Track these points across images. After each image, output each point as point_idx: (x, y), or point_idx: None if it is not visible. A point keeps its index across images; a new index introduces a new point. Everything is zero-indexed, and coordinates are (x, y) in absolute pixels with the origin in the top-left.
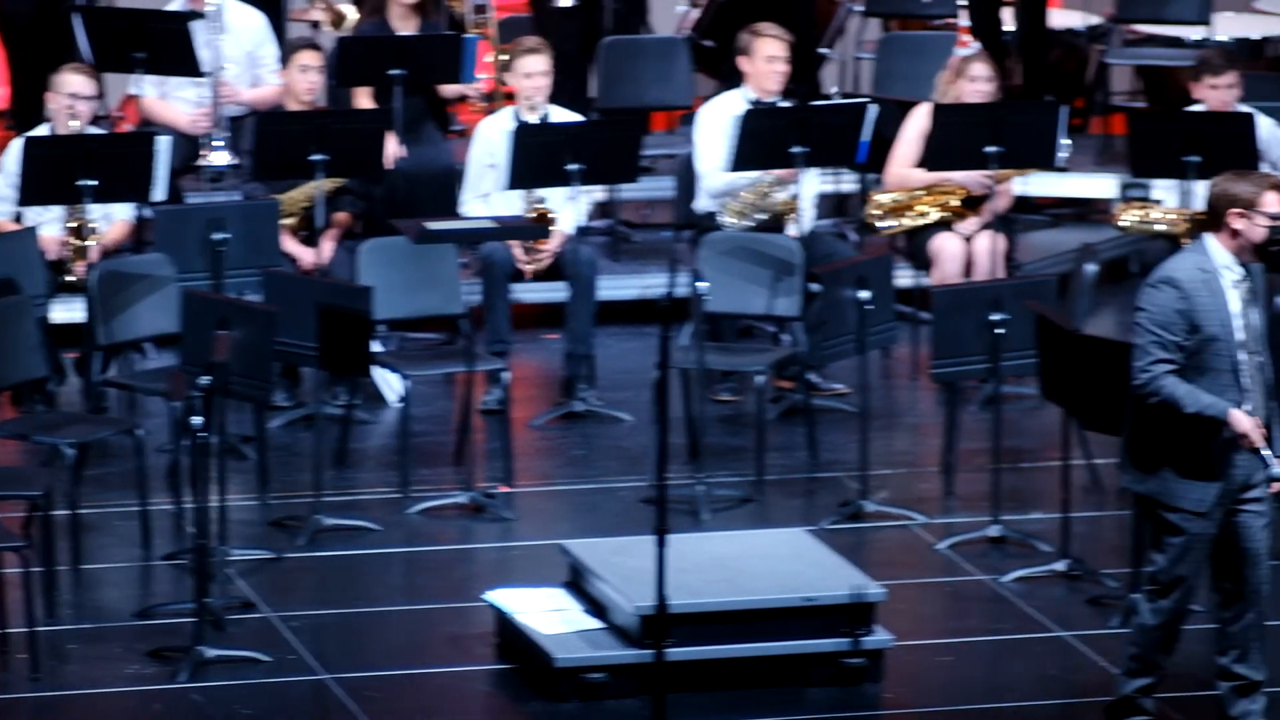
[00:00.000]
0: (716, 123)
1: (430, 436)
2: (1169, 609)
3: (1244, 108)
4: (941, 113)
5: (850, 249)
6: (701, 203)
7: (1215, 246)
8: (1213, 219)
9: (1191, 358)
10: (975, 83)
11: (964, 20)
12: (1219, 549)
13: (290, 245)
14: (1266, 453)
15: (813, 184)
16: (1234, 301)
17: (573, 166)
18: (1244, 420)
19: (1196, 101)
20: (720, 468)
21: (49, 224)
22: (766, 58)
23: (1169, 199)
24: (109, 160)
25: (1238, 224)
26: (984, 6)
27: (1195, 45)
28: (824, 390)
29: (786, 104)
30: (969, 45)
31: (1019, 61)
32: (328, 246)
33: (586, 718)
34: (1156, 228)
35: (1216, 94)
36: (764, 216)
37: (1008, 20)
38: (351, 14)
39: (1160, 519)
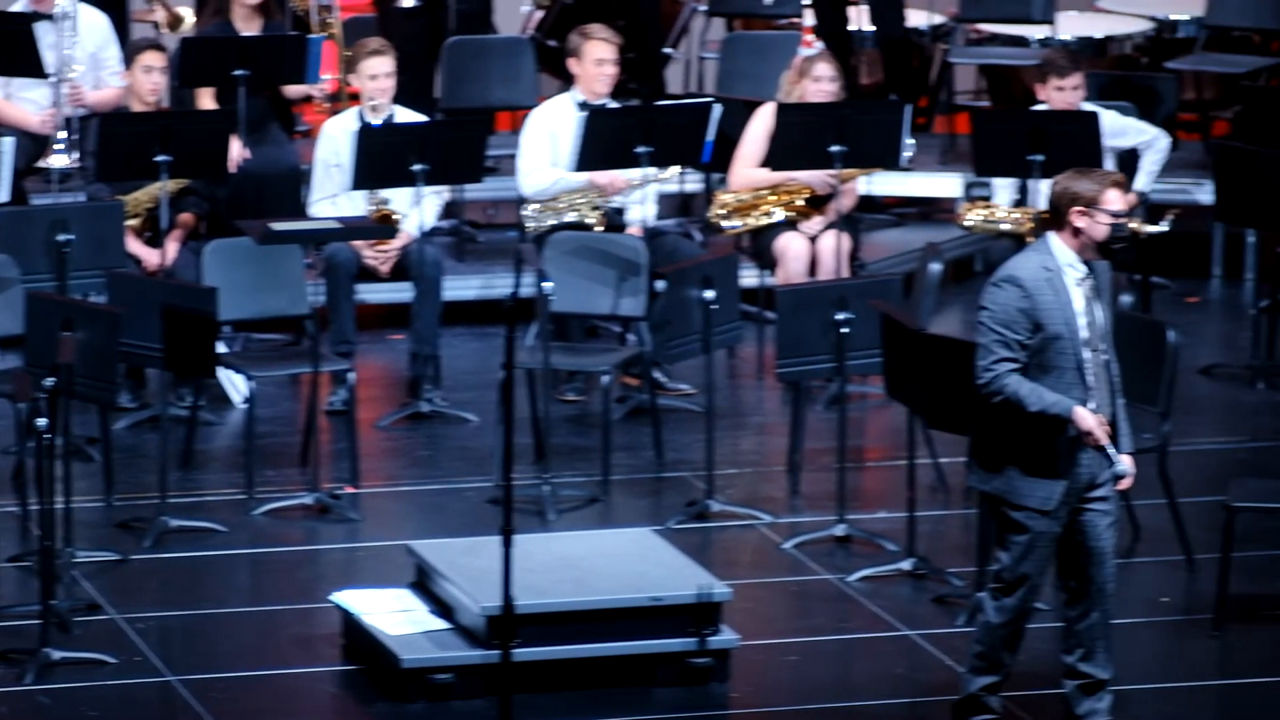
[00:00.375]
0: (541, 126)
1: (276, 437)
2: (1014, 607)
3: (1088, 106)
4: (785, 112)
5: (695, 247)
6: (538, 220)
7: (1058, 245)
8: (1055, 217)
9: (1036, 356)
10: (819, 82)
11: (808, 20)
12: (1065, 547)
13: (134, 246)
14: (1111, 450)
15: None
16: (1078, 299)
17: (417, 167)
18: (1088, 418)
19: (1041, 101)
20: (566, 468)
21: None
22: (595, 60)
23: (1002, 196)
24: None
25: (1080, 222)
26: (830, 6)
27: (1039, 44)
28: (670, 390)
29: (615, 104)
30: (813, 45)
31: (876, 60)
32: (172, 247)
33: (433, 718)
34: (1001, 227)
35: (1062, 95)
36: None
37: (858, 19)
38: (189, 16)
39: (1005, 517)
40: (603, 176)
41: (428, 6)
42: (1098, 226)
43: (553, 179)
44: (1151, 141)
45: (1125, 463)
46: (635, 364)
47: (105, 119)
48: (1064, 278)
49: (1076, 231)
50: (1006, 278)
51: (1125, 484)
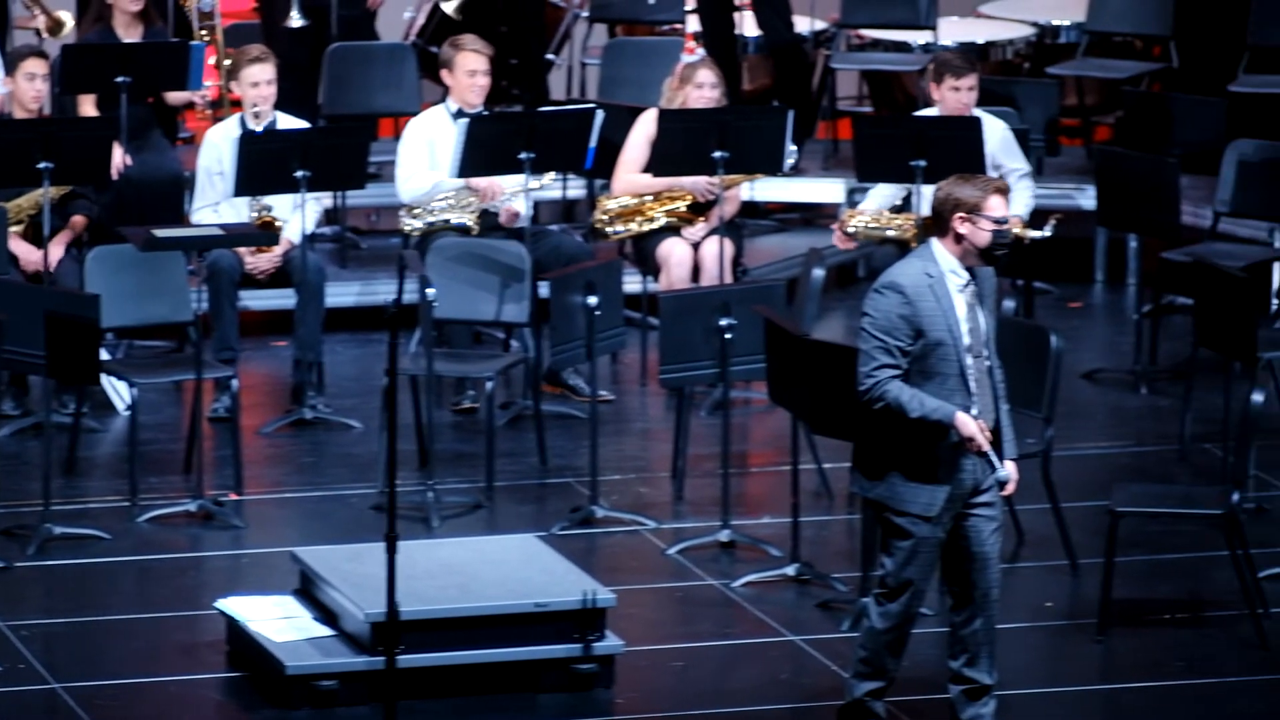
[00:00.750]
0: (419, 135)
1: (159, 444)
2: (898, 613)
3: (980, 113)
4: (668, 118)
5: (581, 242)
6: (416, 224)
7: (941, 251)
8: (938, 223)
9: (918, 362)
10: (701, 89)
11: (690, 26)
12: (949, 553)
13: (15, 245)
14: (993, 456)
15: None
16: (960, 306)
17: (300, 173)
18: (969, 424)
19: (925, 105)
20: (450, 474)
21: None
22: (467, 71)
23: (871, 203)
24: None
25: (963, 229)
26: (716, 12)
27: (921, 50)
28: (586, 396)
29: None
30: (695, 52)
31: (761, 66)
32: (57, 249)
33: None
34: (887, 233)
35: (957, 96)
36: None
37: (742, 24)
38: (69, 21)
39: (889, 523)
40: (480, 181)
41: (313, 16)
42: (980, 233)
43: (431, 183)
44: (1022, 179)
45: (1007, 469)
46: (555, 371)
47: None
48: (946, 284)
49: (959, 238)
50: (888, 284)
51: (1009, 490)
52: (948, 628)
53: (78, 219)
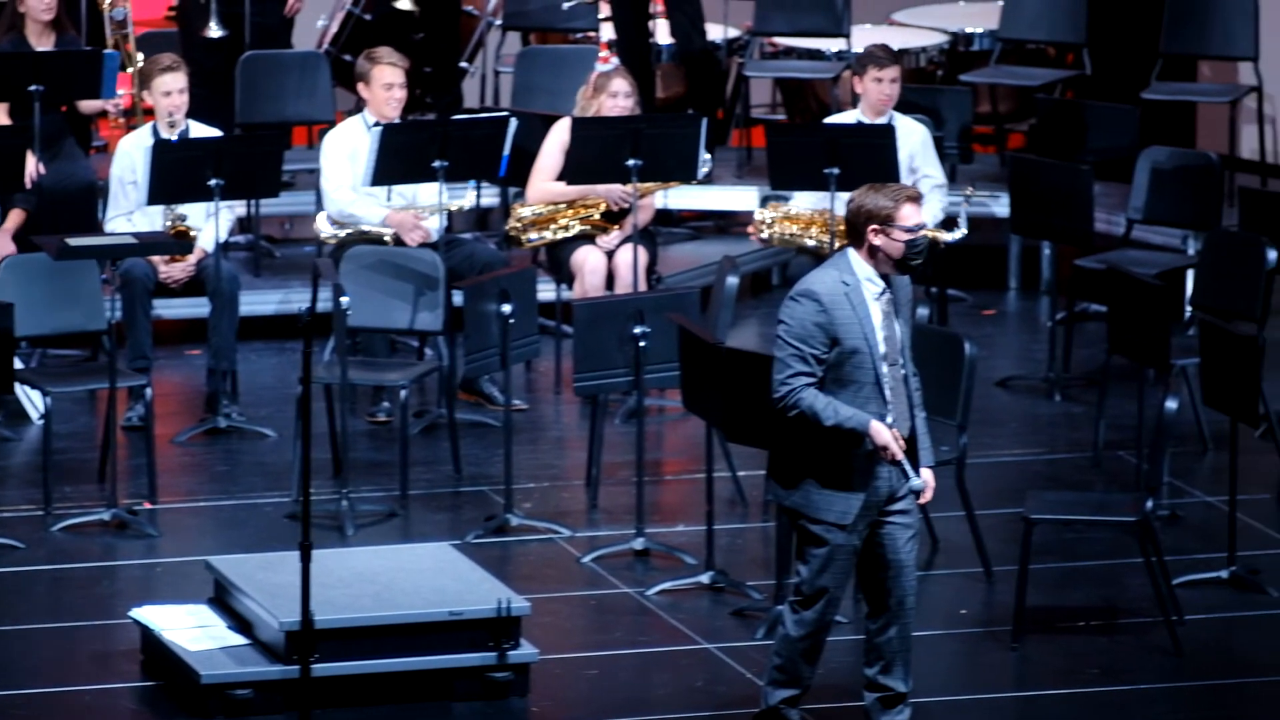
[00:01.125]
0: (338, 148)
1: (73, 453)
2: (813, 620)
3: (901, 119)
4: (581, 127)
5: (495, 250)
6: (323, 226)
7: (856, 260)
8: (852, 234)
9: (833, 371)
10: (615, 97)
11: (604, 35)
12: (865, 560)
13: None
14: (907, 465)
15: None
16: (876, 314)
17: (214, 182)
18: (884, 432)
19: (839, 112)
20: (365, 483)
21: None
22: (384, 85)
23: (767, 215)
24: None
25: (876, 239)
26: (631, 21)
27: (835, 57)
28: (500, 404)
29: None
30: (609, 60)
31: (675, 74)
32: (5, 240)
33: None
34: (806, 242)
35: (879, 88)
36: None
37: (655, 33)
38: None
39: (804, 531)
40: (397, 217)
41: (229, 25)
42: (894, 243)
43: (357, 210)
44: (935, 189)
45: (922, 478)
46: (470, 379)
47: None
48: (862, 292)
49: (873, 248)
50: (804, 292)
51: (926, 498)
52: (863, 635)
53: (18, 211)
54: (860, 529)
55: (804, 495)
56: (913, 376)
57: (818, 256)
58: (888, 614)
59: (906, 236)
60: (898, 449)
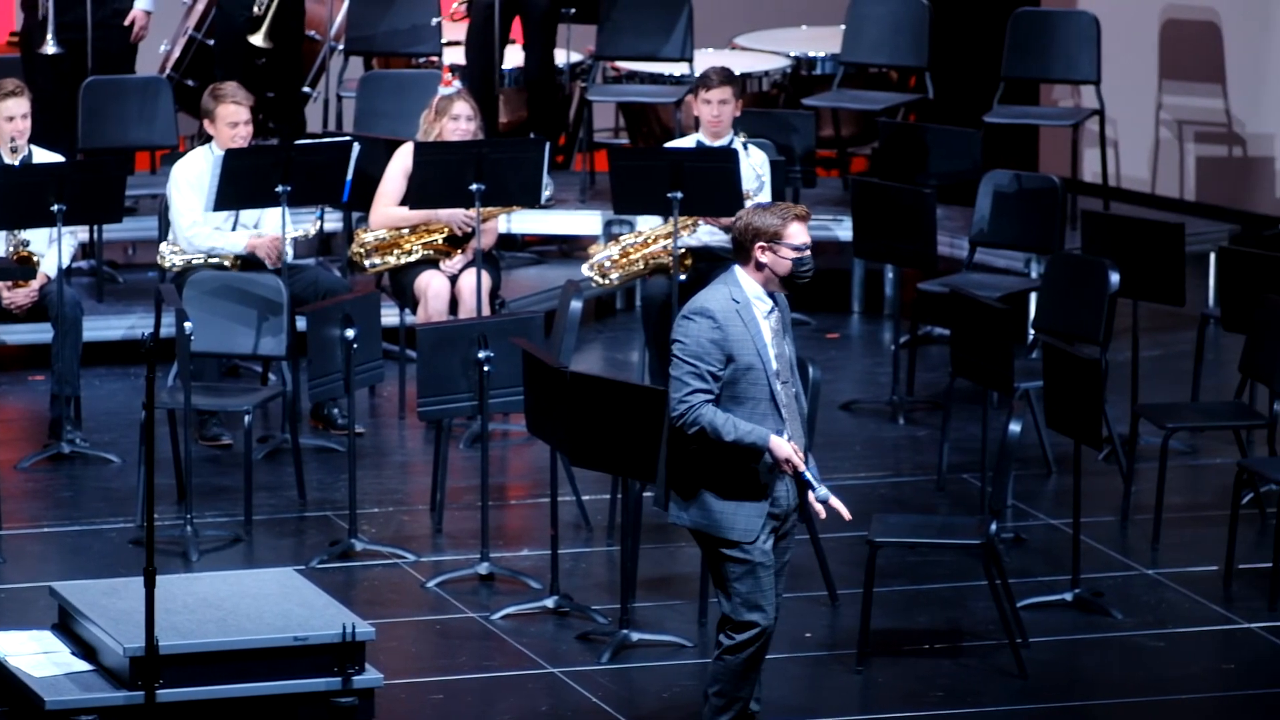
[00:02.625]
0: (186, 180)
1: None
2: (745, 641)
3: (745, 144)
4: (423, 151)
5: (338, 275)
6: (166, 252)
7: (745, 277)
8: (740, 252)
9: (729, 387)
10: (457, 121)
11: (447, 59)
12: None
13: None
14: (809, 477)
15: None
16: (766, 331)
17: (56, 207)
18: (784, 446)
19: (681, 136)
20: (209, 508)
21: None
22: (229, 124)
23: (605, 259)
24: None
25: (764, 257)
26: (483, 46)
27: (676, 82)
28: (342, 429)
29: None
30: (451, 84)
31: (517, 98)
32: None
33: None
34: (644, 265)
35: (709, 109)
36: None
37: (510, 58)
38: None
39: (717, 553)
40: (259, 243)
41: (71, 50)
42: (781, 261)
43: (213, 242)
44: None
45: (824, 489)
46: (319, 407)
47: None
48: (752, 310)
49: (760, 266)
50: (698, 310)
51: (835, 505)
52: (708, 659)
53: None
54: (766, 541)
55: (705, 514)
56: (802, 395)
57: (665, 272)
58: None
59: (794, 255)
60: (799, 461)
